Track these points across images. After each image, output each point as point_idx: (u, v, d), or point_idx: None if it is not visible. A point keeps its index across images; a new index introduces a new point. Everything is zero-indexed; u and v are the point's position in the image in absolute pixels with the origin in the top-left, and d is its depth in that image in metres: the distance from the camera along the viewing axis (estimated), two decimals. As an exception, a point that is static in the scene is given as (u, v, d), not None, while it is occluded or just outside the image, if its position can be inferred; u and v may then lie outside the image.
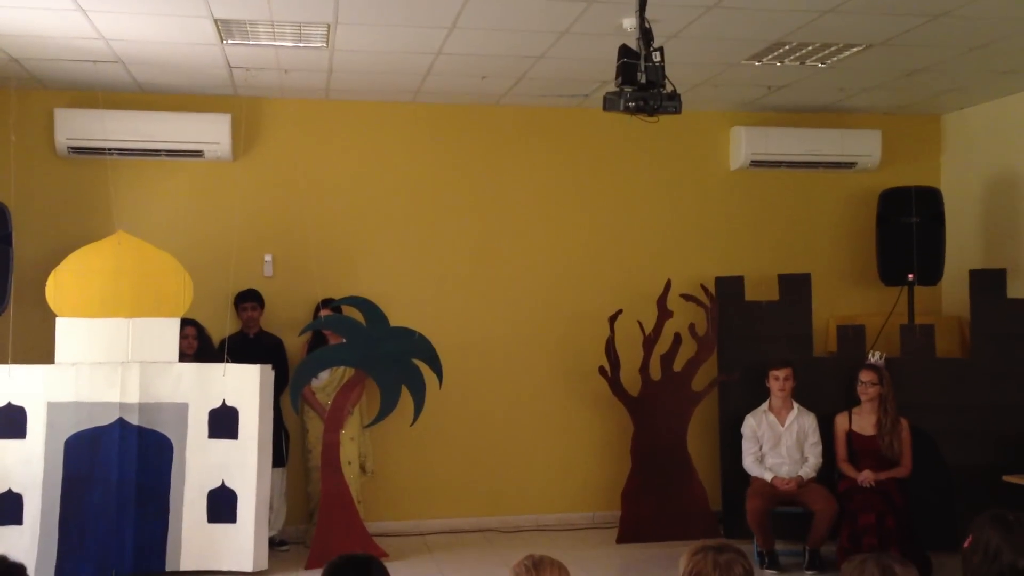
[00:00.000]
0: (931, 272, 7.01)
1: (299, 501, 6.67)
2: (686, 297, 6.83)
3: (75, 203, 6.61)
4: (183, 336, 5.90)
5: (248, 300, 6.57)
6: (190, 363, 5.64)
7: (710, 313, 6.84)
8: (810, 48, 5.75)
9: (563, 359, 7.20)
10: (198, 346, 6.22)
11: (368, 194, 7.05)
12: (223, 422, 5.42)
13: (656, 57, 4.19)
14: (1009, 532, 2.49)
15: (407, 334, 6.17)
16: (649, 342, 6.78)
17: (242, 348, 6.23)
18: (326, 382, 6.52)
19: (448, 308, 7.07)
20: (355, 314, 6.30)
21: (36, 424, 5.32)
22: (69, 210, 6.60)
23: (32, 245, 6.35)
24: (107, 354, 5.41)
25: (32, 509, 5.29)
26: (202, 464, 5.38)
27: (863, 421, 6.16)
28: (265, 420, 5.45)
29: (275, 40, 5.51)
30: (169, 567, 5.44)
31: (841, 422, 6.22)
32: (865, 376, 6.16)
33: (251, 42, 5.54)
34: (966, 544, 2.57)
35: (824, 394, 6.46)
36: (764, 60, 6.00)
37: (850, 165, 7.43)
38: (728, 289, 6.91)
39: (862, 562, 2.31)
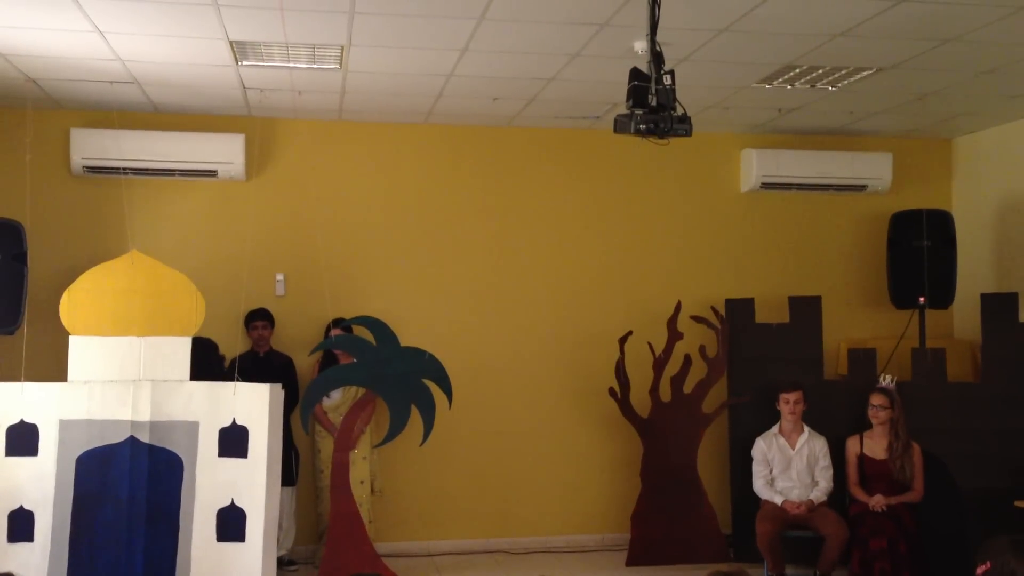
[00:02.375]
0: (942, 295, 6.99)
1: (309, 521, 6.67)
2: (696, 319, 6.82)
3: (89, 222, 6.66)
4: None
5: (258, 319, 6.60)
6: (201, 382, 5.65)
7: (720, 335, 6.83)
8: (820, 71, 5.77)
9: (573, 380, 7.20)
10: (205, 363, 6.21)
11: (380, 214, 7.08)
12: (233, 441, 5.41)
13: (667, 80, 4.21)
14: None
15: (417, 354, 6.17)
16: (659, 363, 6.77)
17: (252, 367, 6.24)
18: (338, 402, 6.53)
19: (458, 328, 7.08)
20: (366, 334, 6.30)
21: (48, 441, 5.33)
22: (83, 229, 6.65)
23: (46, 263, 6.40)
24: (119, 372, 5.42)
25: (43, 526, 5.29)
26: (212, 482, 5.37)
27: (874, 445, 6.14)
28: (275, 439, 5.44)
29: (289, 62, 5.56)
30: (178, 586, 5.44)
31: (852, 446, 6.19)
32: (876, 400, 6.14)
33: (265, 63, 5.59)
34: (980, 570, 2.55)
35: (835, 417, 6.44)
36: (774, 83, 6.02)
37: (861, 188, 7.43)
38: (738, 311, 6.90)
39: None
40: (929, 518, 6.04)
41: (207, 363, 6.09)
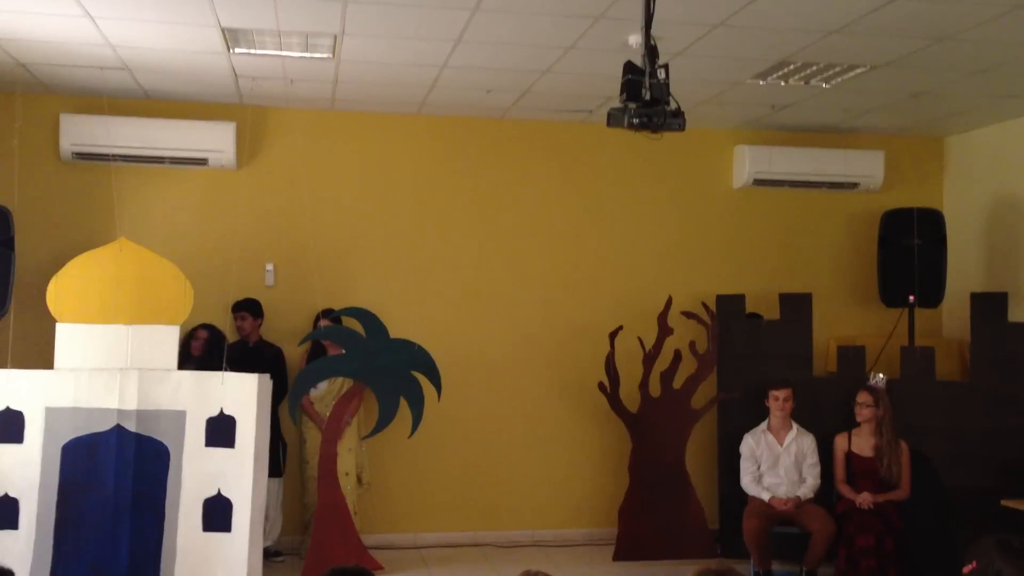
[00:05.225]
0: (932, 294, 7.01)
1: (295, 512, 6.65)
2: (687, 314, 6.82)
3: (78, 209, 6.62)
4: (194, 337, 6.27)
5: (239, 310, 6.56)
6: (189, 371, 5.64)
7: (711, 331, 6.83)
8: (815, 68, 5.77)
9: (563, 374, 7.19)
10: (205, 349, 6.29)
11: (371, 205, 7.05)
12: (220, 431, 5.40)
13: (661, 74, 4.19)
14: (1018, 558, 2.47)
15: (406, 346, 6.16)
16: (649, 359, 6.76)
17: (241, 357, 6.23)
18: (324, 392, 6.51)
19: (448, 321, 7.07)
20: (355, 325, 6.29)
21: (34, 429, 5.30)
22: (72, 215, 6.61)
23: (34, 250, 6.36)
24: (106, 360, 5.39)
25: (28, 514, 5.26)
26: (198, 472, 5.35)
27: (862, 442, 6.15)
28: (262, 430, 5.43)
29: (281, 50, 5.52)
30: (163, 575, 5.42)
31: (840, 443, 6.20)
32: (861, 397, 6.15)
33: (257, 51, 5.55)
34: (967, 569, 2.55)
35: (823, 414, 6.44)
36: (769, 79, 6.01)
37: (853, 186, 7.44)
38: (729, 307, 6.90)
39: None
40: (915, 516, 6.05)
41: (220, 351, 6.14)
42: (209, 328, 6.40)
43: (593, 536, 7.11)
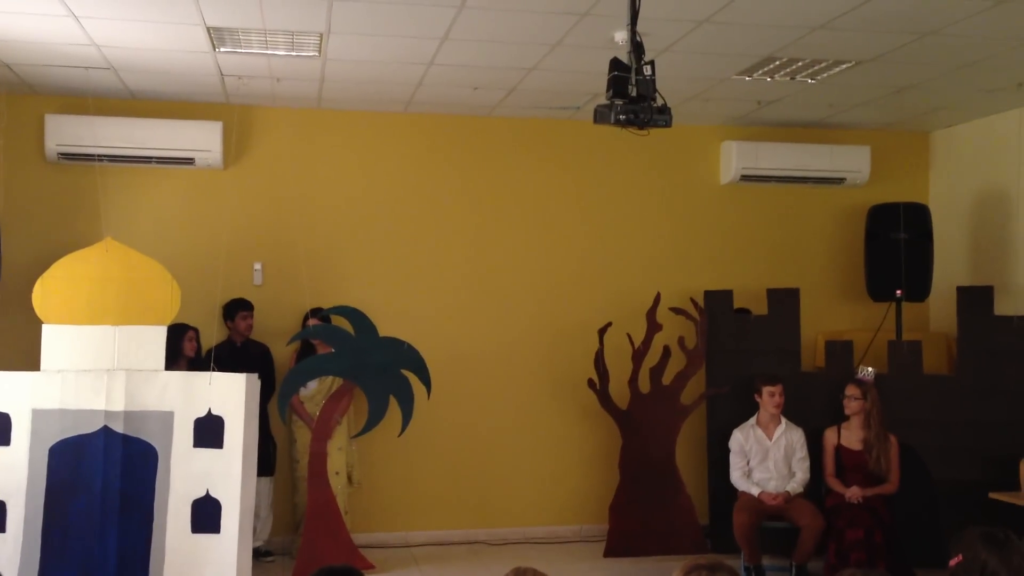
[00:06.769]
0: (919, 288, 7.04)
1: (286, 511, 6.63)
2: (675, 310, 6.83)
3: (64, 209, 6.58)
4: (188, 339, 6.24)
5: (249, 308, 6.56)
6: (176, 371, 5.62)
7: (699, 327, 6.84)
8: (800, 64, 5.78)
9: (552, 371, 7.19)
10: (198, 349, 6.30)
11: (359, 204, 7.04)
12: (208, 431, 5.38)
13: (647, 71, 4.20)
14: (1002, 550, 2.48)
15: (396, 344, 6.15)
16: (638, 355, 6.78)
17: (229, 357, 6.22)
18: (314, 392, 6.50)
19: (437, 319, 7.06)
20: (344, 324, 6.28)
21: (20, 431, 5.27)
22: (58, 216, 6.57)
23: (20, 251, 6.32)
24: (93, 361, 5.37)
25: (15, 517, 5.23)
26: (187, 473, 5.33)
27: (851, 436, 6.17)
28: (251, 430, 5.41)
29: (267, 49, 5.50)
30: (152, 577, 5.41)
31: (830, 437, 6.23)
32: (849, 391, 6.18)
33: (243, 50, 5.53)
34: (953, 562, 2.56)
35: (812, 409, 6.47)
36: (754, 75, 6.03)
37: (839, 181, 7.46)
38: (717, 303, 6.92)
39: (850, 578, 2.30)
40: (903, 509, 6.08)
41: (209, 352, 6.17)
42: (195, 329, 6.39)
43: (584, 533, 7.12)
